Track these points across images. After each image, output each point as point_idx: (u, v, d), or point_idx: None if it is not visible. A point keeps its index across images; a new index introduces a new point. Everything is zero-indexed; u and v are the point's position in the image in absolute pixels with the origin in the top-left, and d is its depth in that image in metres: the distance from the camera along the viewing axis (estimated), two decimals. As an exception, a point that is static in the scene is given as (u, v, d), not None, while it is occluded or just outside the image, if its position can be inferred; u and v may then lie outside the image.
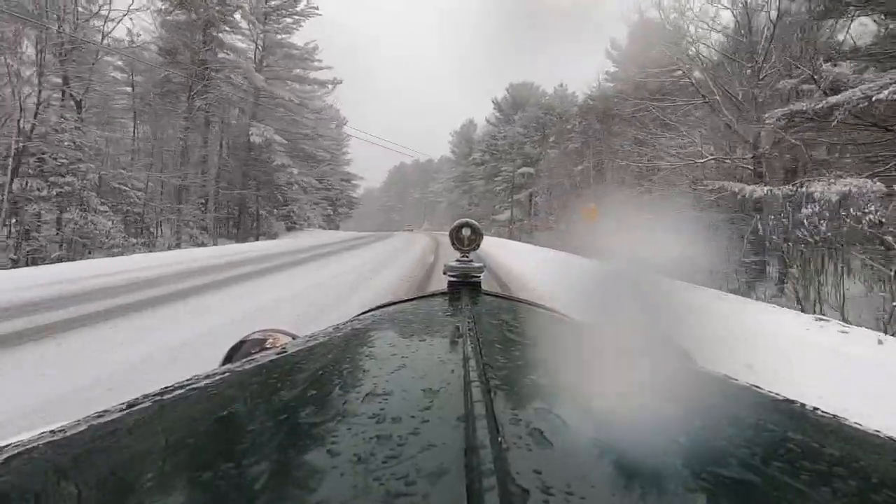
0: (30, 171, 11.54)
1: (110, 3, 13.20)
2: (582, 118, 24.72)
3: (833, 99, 5.81)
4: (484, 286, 0.64)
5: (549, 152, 27.04)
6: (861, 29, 7.15)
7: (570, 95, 30.37)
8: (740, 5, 9.65)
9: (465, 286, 0.61)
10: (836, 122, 5.85)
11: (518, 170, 28.57)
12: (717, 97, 9.43)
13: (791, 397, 0.31)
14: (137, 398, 0.30)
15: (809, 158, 7.94)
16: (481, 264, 0.63)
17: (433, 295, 0.61)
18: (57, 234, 11.57)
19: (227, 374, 0.33)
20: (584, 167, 23.63)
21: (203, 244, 15.06)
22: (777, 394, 0.31)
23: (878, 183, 5.31)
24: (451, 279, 0.63)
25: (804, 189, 6.01)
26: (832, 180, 5.72)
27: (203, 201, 15.88)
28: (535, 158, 28.67)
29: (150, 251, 11.76)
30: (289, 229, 23.70)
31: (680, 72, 10.36)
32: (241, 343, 0.69)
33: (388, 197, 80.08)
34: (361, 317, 0.54)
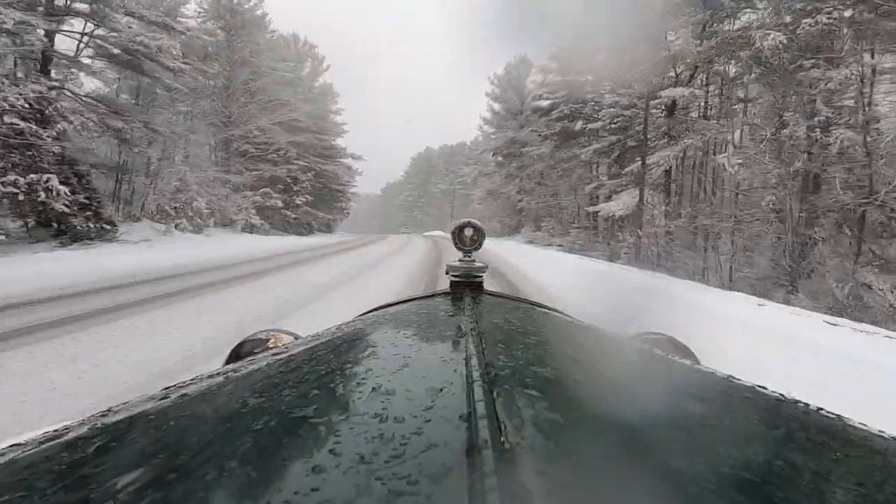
0: None
1: None
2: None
3: None
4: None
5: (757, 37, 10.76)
6: None
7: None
8: None
9: (467, 286, 0.61)
10: None
11: (660, 95, 12.11)
12: None
13: (796, 398, 0.31)
14: (139, 398, 0.30)
15: None
16: (483, 264, 0.63)
17: (435, 295, 0.61)
18: None
19: (230, 373, 0.33)
20: None
21: None
22: (781, 394, 0.31)
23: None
24: (454, 279, 0.62)
25: None
26: None
27: None
28: (700, 61, 12.40)
29: None
30: (95, 236, 8.85)
31: None
32: (245, 343, 0.70)
33: (408, 191, 65.24)
34: (364, 317, 0.54)
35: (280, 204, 19.28)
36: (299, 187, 20.80)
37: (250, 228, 17.73)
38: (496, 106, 28.57)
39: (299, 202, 20.72)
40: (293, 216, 20.61)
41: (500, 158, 27.60)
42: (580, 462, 0.20)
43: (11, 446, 0.25)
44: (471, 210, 41.51)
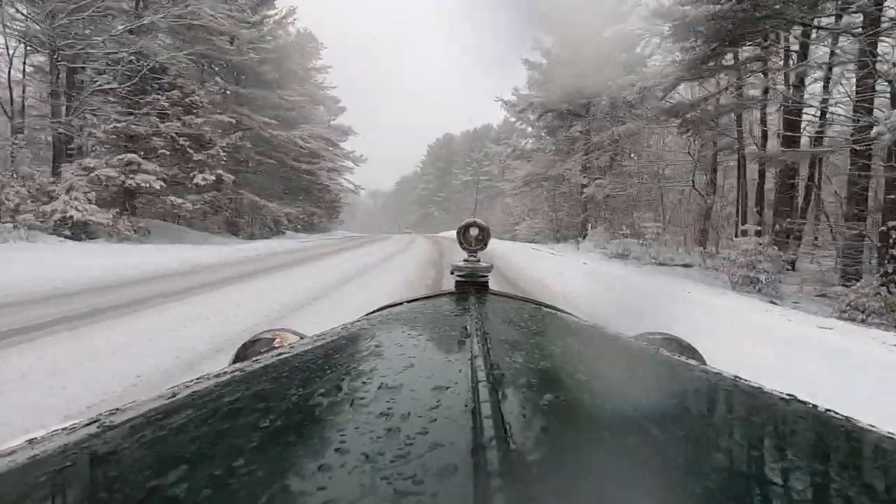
0: None
1: None
2: None
3: None
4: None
5: None
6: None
7: None
8: None
9: (472, 286, 0.61)
10: None
11: None
12: None
13: (803, 398, 0.30)
14: (147, 397, 0.30)
15: None
16: (489, 264, 0.63)
17: (440, 294, 0.61)
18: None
19: (236, 373, 0.33)
20: None
21: None
22: (788, 395, 0.31)
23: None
24: (459, 279, 0.62)
25: None
26: None
27: None
28: None
29: None
30: None
31: None
32: (251, 342, 0.70)
33: (424, 184, 55.91)
34: (369, 316, 0.55)
35: (157, 185, 10.22)
36: (205, 155, 11.54)
37: (80, 229, 8.81)
38: (547, 40, 18.88)
39: (203, 182, 11.48)
40: (191, 206, 11.48)
41: (552, 121, 17.95)
42: (586, 462, 0.20)
43: (20, 445, 0.25)
44: (501, 204, 31.84)
